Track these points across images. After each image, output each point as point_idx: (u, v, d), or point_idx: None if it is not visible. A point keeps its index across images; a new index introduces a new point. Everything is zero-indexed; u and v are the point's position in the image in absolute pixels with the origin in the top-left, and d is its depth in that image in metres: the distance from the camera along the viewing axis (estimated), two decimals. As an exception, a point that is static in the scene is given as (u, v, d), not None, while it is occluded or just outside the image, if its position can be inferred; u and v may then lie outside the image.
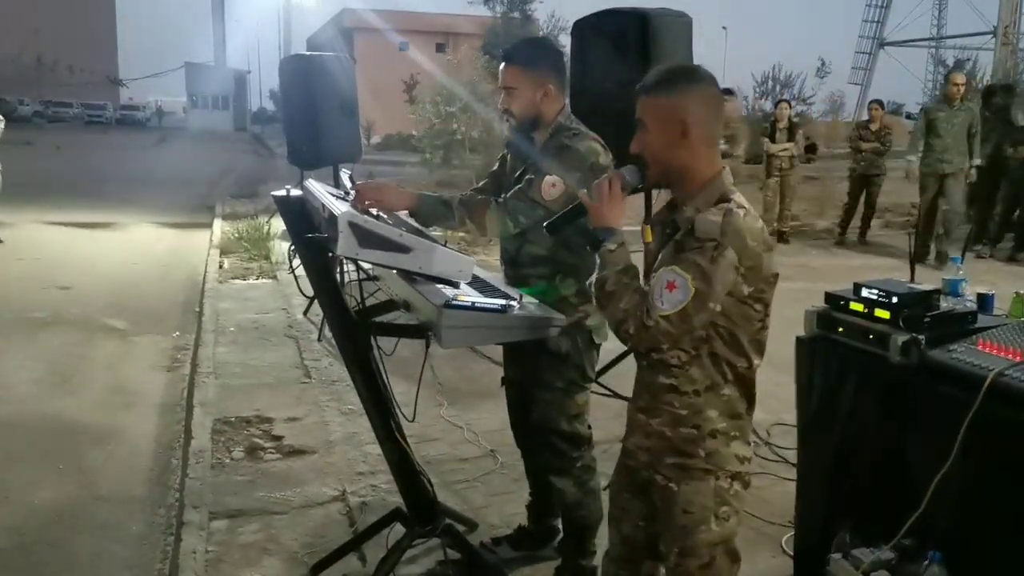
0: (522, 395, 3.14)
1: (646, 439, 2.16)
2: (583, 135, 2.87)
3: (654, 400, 2.12)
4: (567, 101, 3.00)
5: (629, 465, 2.25)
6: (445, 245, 2.51)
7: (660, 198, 5.47)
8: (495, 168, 3.22)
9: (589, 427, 3.08)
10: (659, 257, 2.11)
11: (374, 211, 2.73)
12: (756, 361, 2.12)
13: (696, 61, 4.30)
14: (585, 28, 4.36)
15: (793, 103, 19.53)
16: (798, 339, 2.87)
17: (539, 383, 2.97)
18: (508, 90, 2.91)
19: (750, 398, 2.16)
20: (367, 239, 2.34)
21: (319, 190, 2.88)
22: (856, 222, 11.70)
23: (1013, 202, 10.70)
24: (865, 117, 12.81)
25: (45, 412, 5.18)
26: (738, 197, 2.04)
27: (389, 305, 2.99)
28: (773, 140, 11.45)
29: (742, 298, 2.00)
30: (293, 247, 2.95)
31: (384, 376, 2.97)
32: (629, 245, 2.12)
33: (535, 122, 2.91)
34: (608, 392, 4.52)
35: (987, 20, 35.82)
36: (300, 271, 2.90)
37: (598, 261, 2.10)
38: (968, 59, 31.85)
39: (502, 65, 2.93)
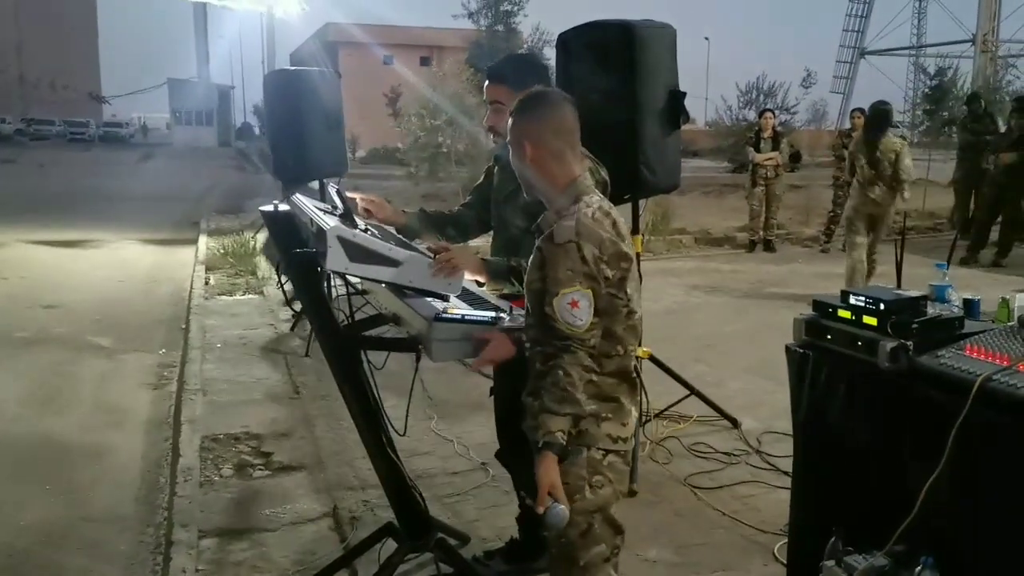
0: (515, 407, 3.13)
1: (532, 419, 2.25)
2: None
3: (535, 383, 2.24)
4: None
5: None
6: (435, 258, 2.51)
7: (647, 208, 5.48)
8: (480, 182, 3.22)
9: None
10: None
11: (363, 224, 2.72)
12: (631, 347, 2.32)
13: (680, 71, 4.33)
14: (570, 41, 4.35)
15: (777, 112, 19.66)
16: (787, 347, 2.87)
17: None
18: (494, 106, 2.91)
19: (630, 382, 2.35)
20: (356, 253, 2.34)
21: (307, 204, 2.88)
22: (841, 230, 11.77)
23: (995, 208, 10.81)
24: (847, 126, 12.90)
25: (32, 431, 5.14)
26: (590, 198, 2.30)
27: (378, 319, 2.98)
28: (758, 149, 11.52)
29: (610, 289, 2.22)
30: (280, 262, 2.95)
31: (374, 390, 2.96)
32: None
33: None
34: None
35: (966, 28, 36.15)
36: (288, 285, 2.89)
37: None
38: (949, 67, 32.18)
39: (487, 82, 2.93)
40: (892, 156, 7.82)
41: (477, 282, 2.76)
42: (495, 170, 3.12)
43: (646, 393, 4.42)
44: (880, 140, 7.94)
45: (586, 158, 2.86)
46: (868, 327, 2.55)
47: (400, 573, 3.15)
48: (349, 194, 2.81)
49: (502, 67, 2.98)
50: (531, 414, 2.26)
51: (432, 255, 2.55)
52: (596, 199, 2.31)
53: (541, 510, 2.10)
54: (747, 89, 28.42)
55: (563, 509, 2.10)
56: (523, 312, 2.56)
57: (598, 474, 2.27)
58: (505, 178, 3.03)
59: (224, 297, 8.70)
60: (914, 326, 2.47)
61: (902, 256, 2.84)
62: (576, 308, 2.15)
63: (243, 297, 8.76)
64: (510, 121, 2.37)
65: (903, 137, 9.10)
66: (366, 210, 2.85)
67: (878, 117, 8.22)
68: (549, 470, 2.13)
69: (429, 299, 2.46)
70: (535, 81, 2.91)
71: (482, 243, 3.42)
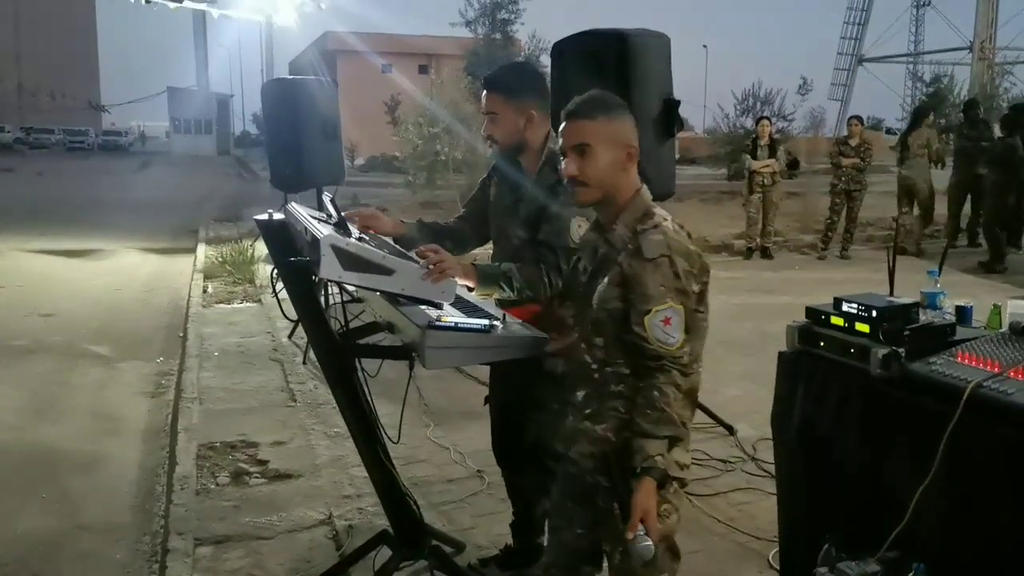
0: (511, 415, 3.14)
1: (591, 445, 2.23)
2: None
3: (601, 406, 2.21)
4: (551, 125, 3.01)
5: (572, 473, 2.33)
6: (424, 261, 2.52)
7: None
8: (474, 194, 3.22)
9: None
10: (600, 280, 2.20)
11: (356, 233, 2.73)
12: (701, 366, 2.27)
13: (678, 80, 4.35)
14: (565, 50, 4.37)
15: (774, 120, 19.68)
16: (780, 354, 2.88)
17: (535, 404, 2.95)
18: (491, 116, 2.92)
19: (694, 403, 2.28)
20: (350, 262, 2.34)
21: (302, 213, 2.89)
22: (838, 237, 11.79)
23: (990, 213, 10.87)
24: (845, 133, 12.92)
25: (28, 440, 5.14)
26: (659, 210, 2.24)
27: (373, 327, 2.99)
28: (755, 157, 11.53)
29: (696, 305, 2.17)
30: (276, 271, 2.95)
31: (369, 398, 2.97)
32: None
33: (519, 148, 2.92)
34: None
35: (963, 36, 36.23)
36: (284, 294, 2.90)
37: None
38: (945, 74, 32.26)
39: (484, 92, 2.94)
40: (922, 143, 11.36)
41: (467, 287, 2.76)
42: (492, 181, 3.12)
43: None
44: (912, 133, 11.58)
45: None
46: (860, 334, 2.56)
47: (395, 581, 3.16)
48: (346, 213, 2.82)
49: (498, 76, 2.98)
50: (589, 439, 2.22)
51: (421, 259, 2.54)
52: (666, 212, 2.24)
53: (631, 536, 2.02)
54: (744, 97, 28.44)
55: (650, 546, 2.02)
56: (516, 321, 2.57)
57: (666, 503, 2.18)
58: (504, 190, 3.04)
59: (222, 305, 8.70)
60: (906, 333, 2.48)
61: (894, 263, 2.84)
62: (668, 325, 2.07)
63: (241, 305, 8.76)
64: (601, 120, 2.21)
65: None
66: (365, 225, 2.86)
67: (913, 117, 12.28)
68: (648, 496, 2.03)
69: (423, 307, 2.47)
70: (531, 90, 2.93)
71: (481, 252, 3.43)
